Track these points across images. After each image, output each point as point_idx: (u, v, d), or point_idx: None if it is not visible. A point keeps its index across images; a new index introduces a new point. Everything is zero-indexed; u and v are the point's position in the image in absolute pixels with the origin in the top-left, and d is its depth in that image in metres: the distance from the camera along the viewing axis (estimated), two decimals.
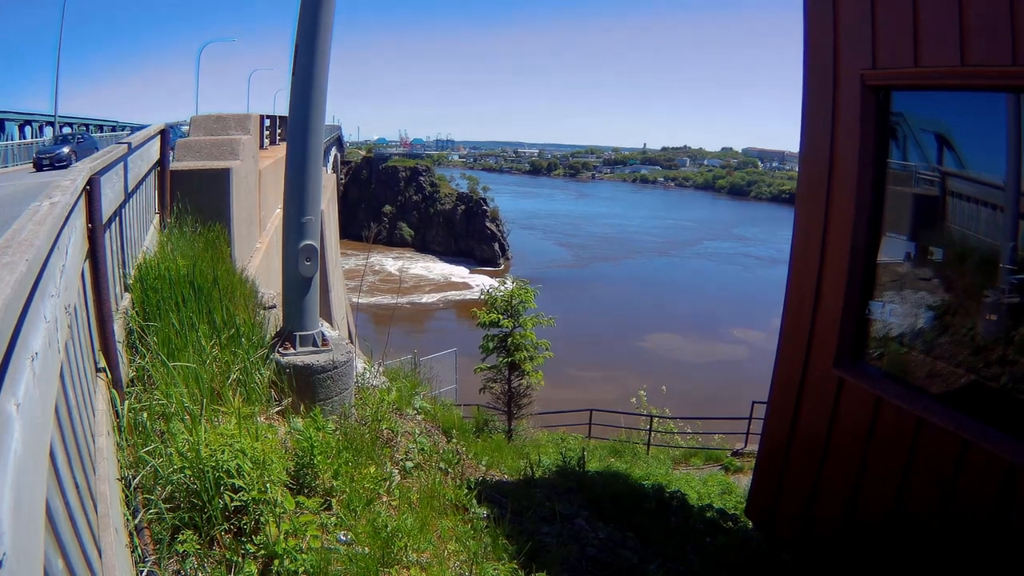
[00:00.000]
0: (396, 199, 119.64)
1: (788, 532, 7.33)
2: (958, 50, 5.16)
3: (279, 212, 11.49)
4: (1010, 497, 4.86)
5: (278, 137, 22.89)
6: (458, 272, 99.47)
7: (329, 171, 49.79)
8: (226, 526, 4.05)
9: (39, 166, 30.03)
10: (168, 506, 3.91)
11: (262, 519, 4.12)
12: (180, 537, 3.79)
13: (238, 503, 4.07)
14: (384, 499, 5.52)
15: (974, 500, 5.15)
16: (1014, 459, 4.82)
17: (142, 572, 3.48)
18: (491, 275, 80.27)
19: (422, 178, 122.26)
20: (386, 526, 4.82)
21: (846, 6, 6.35)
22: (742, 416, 18.77)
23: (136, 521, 3.70)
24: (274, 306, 7.68)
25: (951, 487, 5.30)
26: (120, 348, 4.59)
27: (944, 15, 5.28)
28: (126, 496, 3.78)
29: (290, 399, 5.82)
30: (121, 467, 3.93)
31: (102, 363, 4.18)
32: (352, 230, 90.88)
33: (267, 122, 20.46)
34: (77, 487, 2.54)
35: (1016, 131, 4.97)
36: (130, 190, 6.23)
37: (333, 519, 4.74)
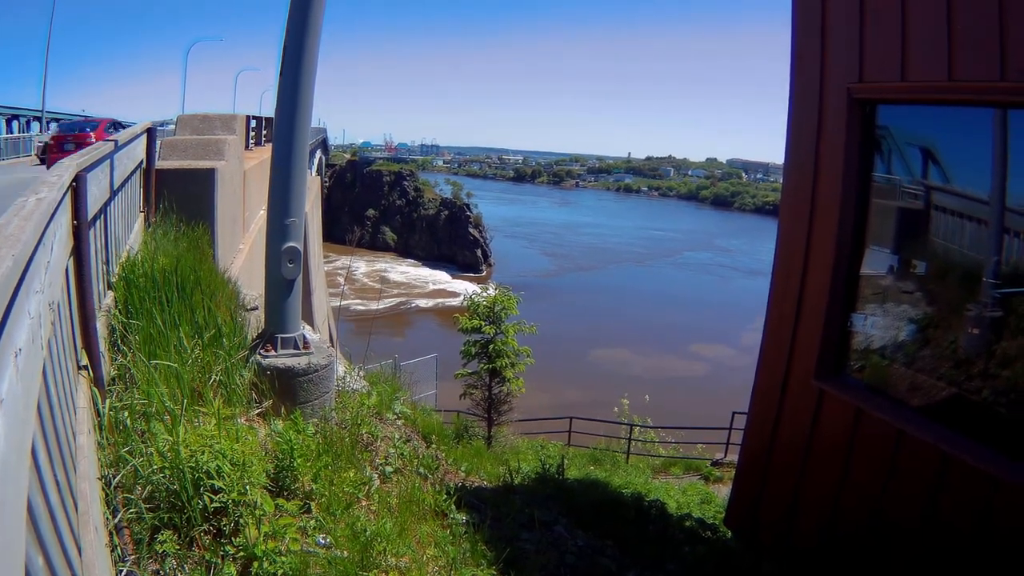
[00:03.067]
0: (380, 203, 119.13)
1: (768, 541, 7.35)
2: (946, 65, 5.21)
3: (263, 213, 11.43)
4: (991, 509, 4.90)
5: (263, 138, 22.73)
6: (440, 277, 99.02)
7: (313, 173, 49.58)
8: (206, 527, 4.03)
9: None
10: (148, 506, 3.89)
11: (241, 521, 4.11)
12: (160, 537, 3.76)
13: (218, 504, 4.05)
14: (363, 503, 5.51)
15: (956, 511, 5.19)
16: (995, 472, 4.86)
17: (121, 572, 3.45)
18: (473, 281, 79.97)
19: (406, 183, 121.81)
20: (365, 530, 4.82)
21: (834, 19, 6.40)
22: (722, 426, 18.84)
23: (116, 520, 3.68)
24: (256, 307, 7.64)
25: (933, 498, 5.33)
26: (102, 346, 4.56)
27: (932, 30, 5.34)
28: (106, 495, 3.76)
29: (271, 401, 5.79)
30: (102, 466, 3.90)
31: (84, 361, 4.15)
32: (335, 233, 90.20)
33: (253, 123, 20.30)
34: (58, 485, 2.52)
35: (1002, 146, 5.02)
36: (116, 188, 6.19)
37: (312, 522, 4.72)
